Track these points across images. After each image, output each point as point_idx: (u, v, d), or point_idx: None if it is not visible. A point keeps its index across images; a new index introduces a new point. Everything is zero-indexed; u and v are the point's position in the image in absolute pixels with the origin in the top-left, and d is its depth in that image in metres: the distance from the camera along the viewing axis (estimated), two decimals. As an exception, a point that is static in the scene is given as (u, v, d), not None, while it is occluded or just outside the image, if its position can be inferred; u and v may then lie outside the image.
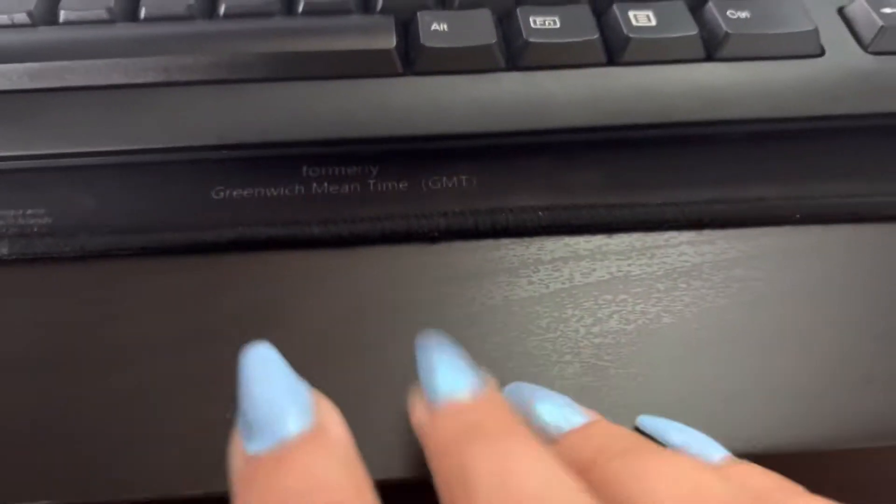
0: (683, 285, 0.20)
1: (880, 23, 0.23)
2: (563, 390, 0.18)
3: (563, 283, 0.21)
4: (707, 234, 0.22)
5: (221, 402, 0.18)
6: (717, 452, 0.17)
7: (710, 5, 0.23)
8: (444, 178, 0.22)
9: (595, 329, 0.20)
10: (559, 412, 0.17)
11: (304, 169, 0.23)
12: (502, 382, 0.18)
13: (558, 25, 0.22)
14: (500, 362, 0.19)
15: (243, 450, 0.14)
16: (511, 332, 0.20)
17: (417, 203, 0.22)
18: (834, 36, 0.23)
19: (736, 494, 0.14)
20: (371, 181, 0.22)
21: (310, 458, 0.14)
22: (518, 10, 0.23)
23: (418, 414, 0.15)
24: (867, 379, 0.19)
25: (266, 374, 0.15)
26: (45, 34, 0.23)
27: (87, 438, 0.18)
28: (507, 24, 0.23)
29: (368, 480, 0.14)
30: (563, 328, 0.20)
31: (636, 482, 0.14)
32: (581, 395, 0.18)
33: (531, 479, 0.13)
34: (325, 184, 0.22)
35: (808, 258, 0.21)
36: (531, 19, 0.23)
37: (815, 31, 0.23)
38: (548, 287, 0.20)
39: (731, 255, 0.21)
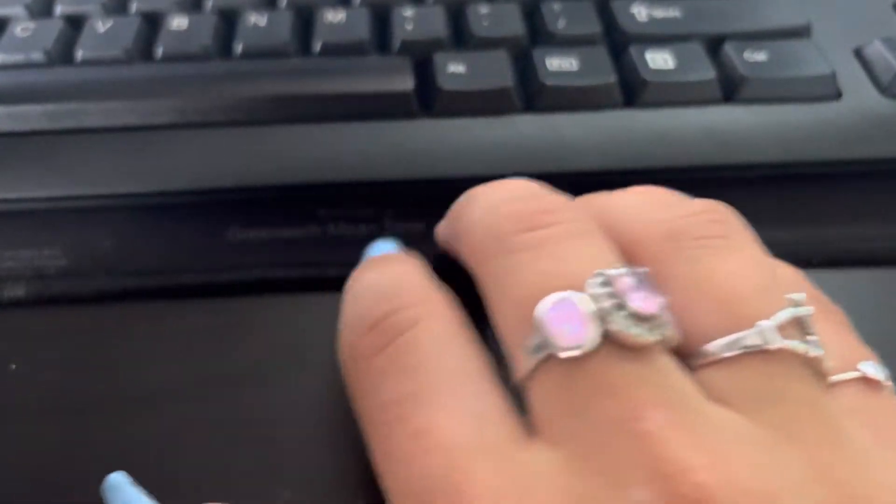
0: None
1: (897, 66, 0.23)
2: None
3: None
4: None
5: (239, 448, 0.18)
6: None
7: (727, 47, 0.23)
8: (460, 220, 0.22)
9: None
10: None
11: (320, 210, 0.23)
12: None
13: (575, 68, 0.22)
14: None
15: None
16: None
17: (433, 245, 0.22)
18: (851, 79, 0.23)
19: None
20: (387, 222, 0.22)
21: None
22: (534, 52, 0.23)
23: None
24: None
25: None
26: (61, 74, 0.23)
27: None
28: (523, 65, 0.23)
29: None
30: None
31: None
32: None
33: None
34: (341, 225, 0.22)
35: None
36: (547, 61, 0.23)
37: (833, 75, 0.23)
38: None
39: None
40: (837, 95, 0.23)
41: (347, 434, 0.18)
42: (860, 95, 0.23)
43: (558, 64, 0.23)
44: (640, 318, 0.13)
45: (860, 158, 0.22)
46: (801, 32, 0.24)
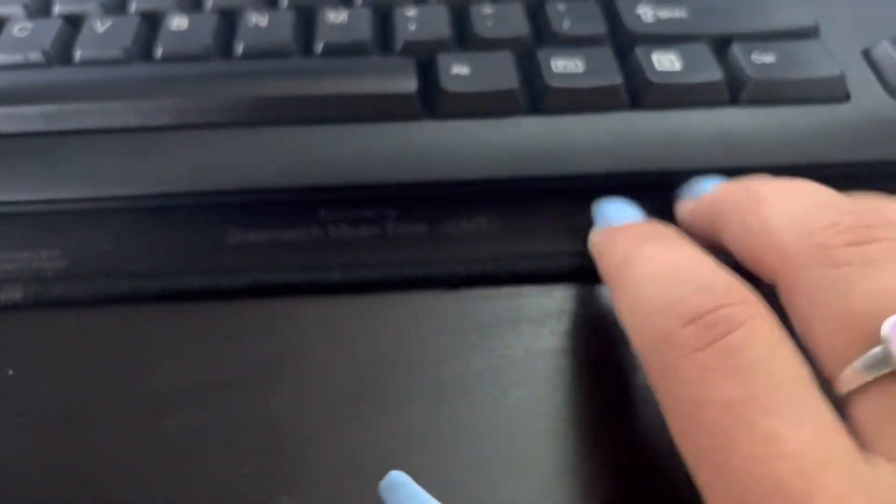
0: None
1: (906, 67, 0.22)
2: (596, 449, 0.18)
3: (588, 334, 0.20)
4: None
5: (240, 452, 0.18)
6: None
7: (735, 48, 0.23)
8: (464, 223, 0.22)
9: (620, 383, 0.19)
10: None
11: (321, 212, 0.22)
12: (523, 440, 0.18)
13: (580, 69, 0.22)
14: (522, 419, 0.19)
15: None
16: (533, 387, 0.19)
17: (436, 248, 0.22)
18: (859, 80, 0.23)
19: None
20: (389, 225, 0.22)
21: None
22: (539, 53, 0.23)
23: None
24: None
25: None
26: (60, 74, 0.23)
27: (104, 488, 0.18)
28: (527, 66, 0.23)
29: None
30: (587, 382, 0.19)
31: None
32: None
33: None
34: (343, 227, 0.22)
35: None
36: (552, 62, 0.22)
37: (841, 77, 0.22)
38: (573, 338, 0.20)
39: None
40: (846, 97, 0.22)
41: (350, 439, 0.18)
42: (869, 97, 0.22)
43: (563, 65, 0.22)
44: None
45: (869, 161, 0.22)
46: (808, 33, 0.24)
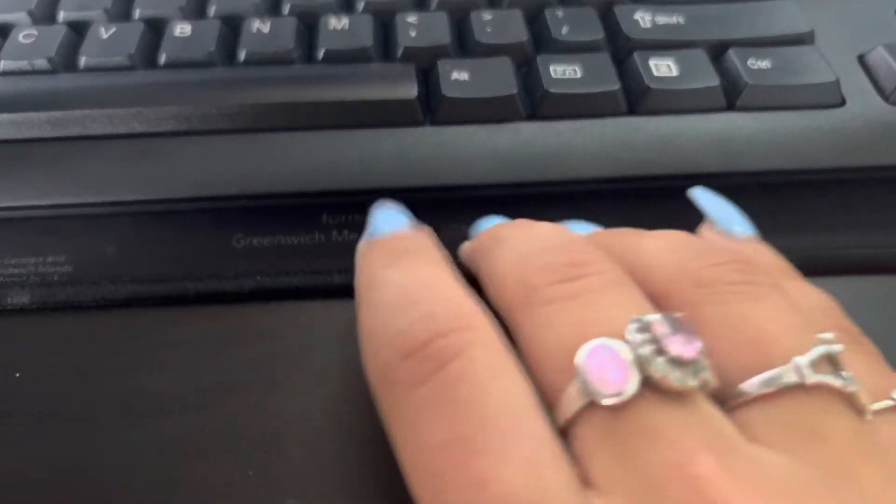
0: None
1: (900, 73, 0.23)
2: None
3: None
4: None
5: (244, 455, 0.18)
6: (740, 227, 0.19)
7: (731, 54, 0.23)
8: (464, 228, 0.22)
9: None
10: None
11: (324, 217, 0.23)
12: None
13: (579, 75, 0.22)
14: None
15: None
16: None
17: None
18: (855, 86, 0.23)
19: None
20: (390, 229, 0.22)
21: None
22: (538, 59, 0.23)
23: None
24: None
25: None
26: (65, 81, 0.23)
27: (108, 490, 0.18)
28: (526, 72, 0.23)
29: None
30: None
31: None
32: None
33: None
34: (345, 232, 0.22)
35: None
36: (551, 68, 0.23)
37: (836, 82, 0.23)
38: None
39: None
40: (841, 102, 0.23)
41: (353, 443, 0.18)
42: (864, 102, 0.23)
43: (562, 71, 0.23)
44: (679, 362, 0.13)
45: (864, 166, 0.22)
46: (804, 39, 0.24)
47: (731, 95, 0.23)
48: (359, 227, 0.22)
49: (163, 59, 0.24)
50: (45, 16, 0.25)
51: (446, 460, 0.13)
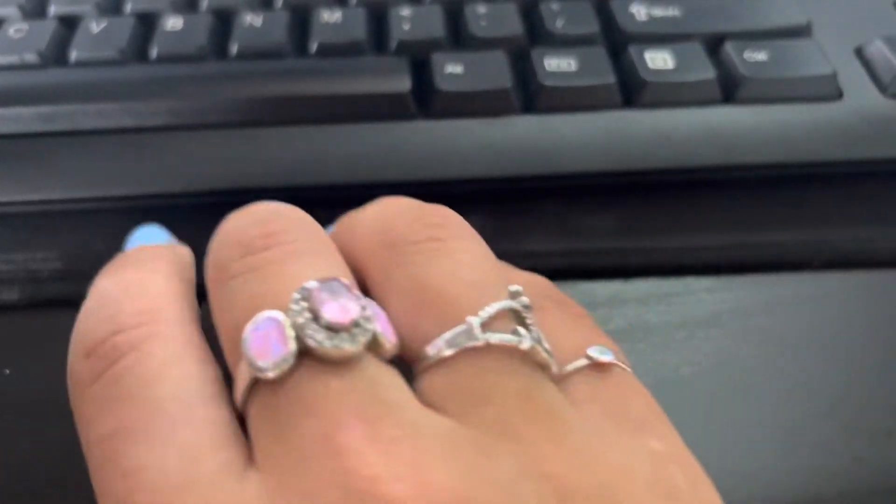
0: (702, 334, 0.20)
1: (898, 66, 0.22)
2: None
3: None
4: (725, 281, 0.21)
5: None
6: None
7: (727, 47, 0.23)
8: (459, 222, 0.22)
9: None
10: None
11: (316, 212, 0.22)
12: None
13: (574, 68, 0.22)
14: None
15: None
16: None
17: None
18: (852, 78, 0.23)
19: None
20: (384, 224, 0.22)
21: None
22: (533, 52, 0.23)
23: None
24: (888, 432, 0.19)
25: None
26: (55, 76, 0.23)
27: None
28: (521, 65, 0.23)
29: None
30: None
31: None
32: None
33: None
34: (338, 227, 0.22)
35: (827, 305, 0.21)
36: (546, 62, 0.22)
37: (834, 75, 0.22)
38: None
39: (748, 302, 0.21)
40: (838, 95, 0.23)
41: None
42: (861, 95, 0.22)
43: (557, 64, 0.22)
44: (335, 328, 0.13)
45: (861, 159, 0.22)
46: (801, 31, 0.24)
47: (728, 88, 0.22)
48: (352, 222, 0.22)
49: (154, 53, 0.23)
50: (35, 10, 0.25)
51: (104, 452, 0.13)
